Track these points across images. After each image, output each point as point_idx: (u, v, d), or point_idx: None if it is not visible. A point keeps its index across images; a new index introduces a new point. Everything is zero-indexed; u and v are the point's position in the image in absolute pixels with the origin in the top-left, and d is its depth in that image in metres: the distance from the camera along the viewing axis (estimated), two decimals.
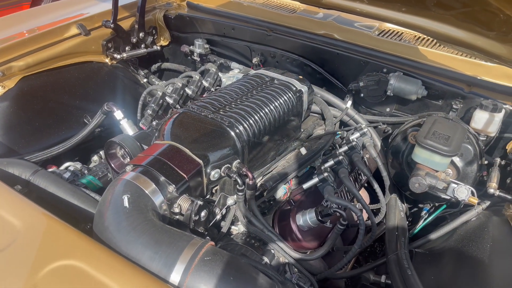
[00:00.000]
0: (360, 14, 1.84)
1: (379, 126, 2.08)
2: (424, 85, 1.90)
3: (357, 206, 1.55)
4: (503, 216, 1.53)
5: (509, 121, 1.78)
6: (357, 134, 1.82)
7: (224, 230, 1.49)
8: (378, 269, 1.72)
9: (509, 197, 1.56)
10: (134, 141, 1.55)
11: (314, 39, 2.20)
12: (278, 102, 1.73)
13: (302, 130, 1.96)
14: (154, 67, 2.69)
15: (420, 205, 2.02)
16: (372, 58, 2.06)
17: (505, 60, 1.59)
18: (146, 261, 1.04)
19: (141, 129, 1.97)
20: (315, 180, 1.61)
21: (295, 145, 1.86)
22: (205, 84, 2.27)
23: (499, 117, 1.71)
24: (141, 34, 2.43)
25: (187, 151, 1.39)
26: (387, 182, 1.86)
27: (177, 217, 1.31)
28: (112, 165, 1.59)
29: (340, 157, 1.65)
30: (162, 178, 1.29)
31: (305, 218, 1.53)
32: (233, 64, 2.42)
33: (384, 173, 1.84)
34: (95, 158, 2.10)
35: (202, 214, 1.29)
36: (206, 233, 1.35)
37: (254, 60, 2.38)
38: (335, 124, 2.02)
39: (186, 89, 2.21)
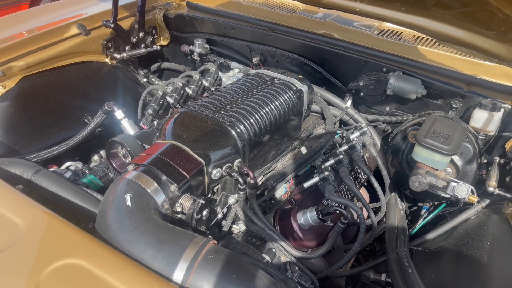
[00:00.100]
0: (359, 14, 1.85)
1: (379, 125, 2.09)
2: (424, 84, 1.91)
3: (357, 205, 1.55)
4: (502, 215, 1.54)
5: (508, 120, 1.79)
6: (357, 133, 1.83)
7: (225, 229, 1.50)
8: (378, 267, 1.73)
9: (508, 195, 1.57)
10: (136, 140, 1.56)
11: (314, 39, 2.21)
12: (279, 101, 1.74)
13: (302, 129, 1.97)
14: (154, 66, 2.70)
15: (420, 204, 2.03)
16: (371, 57, 2.07)
17: (504, 60, 1.60)
18: (149, 259, 1.05)
19: (142, 129, 1.98)
20: (316, 179, 1.62)
21: (296, 144, 1.87)
22: (205, 83, 2.28)
23: (498, 116, 1.72)
24: (141, 34, 2.43)
25: (189, 150, 1.39)
26: (387, 181, 1.87)
27: (179, 216, 1.31)
28: (114, 164, 1.59)
29: (341, 156, 1.65)
30: (164, 177, 1.29)
31: (306, 217, 1.53)
32: (233, 64, 2.42)
33: (384, 172, 1.84)
34: (95, 157, 2.10)
35: (204, 213, 1.30)
36: (208, 231, 1.36)
37: (254, 60, 2.39)
38: (335, 124, 2.03)
39: (187, 89, 2.22)
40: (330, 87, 2.22)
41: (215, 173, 1.43)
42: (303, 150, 1.82)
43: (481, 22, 1.53)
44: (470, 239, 1.52)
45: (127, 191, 1.22)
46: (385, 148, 1.95)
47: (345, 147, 1.77)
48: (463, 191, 1.52)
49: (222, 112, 1.58)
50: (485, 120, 1.73)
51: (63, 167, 1.81)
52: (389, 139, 1.92)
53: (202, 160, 1.38)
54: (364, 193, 2.13)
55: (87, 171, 1.80)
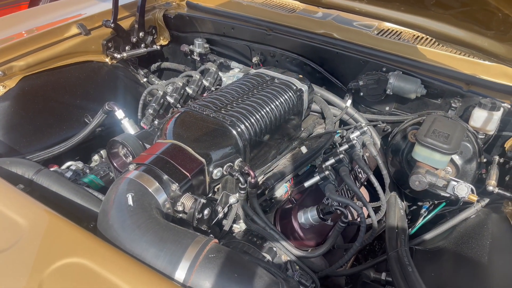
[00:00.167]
0: (359, 14, 1.85)
1: (379, 125, 2.09)
2: (423, 84, 1.91)
3: (357, 204, 1.56)
4: (502, 213, 1.54)
5: (507, 120, 1.80)
6: (357, 133, 1.84)
7: (226, 228, 1.50)
8: (378, 266, 1.73)
9: (508, 194, 1.57)
10: (137, 140, 1.56)
11: (313, 39, 2.21)
12: (279, 101, 1.74)
13: (302, 129, 1.97)
14: (153, 66, 2.70)
15: (420, 203, 2.03)
16: (371, 57, 2.07)
17: (504, 59, 1.61)
18: (151, 258, 1.05)
19: (142, 129, 1.98)
20: (316, 178, 1.62)
21: (296, 143, 1.87)
22: (206, 83, 2.28)
23: (497, 115, 1.73)
24: (141, 34, 2.44)
25: (190, 150, 1.40)
26: (387, 180, 1.88)
27: (180, 215, 1.32)
28: (115, 164, 1.59)
29: (341, 156, 1.66)
30: (165, 177, 1.30)
31: (307, 216, 1.54)
32: (233, 64, 2.43)
33: (384, 171, 1.85)
34: (95, 157, 2.11)
35: (205, 212, 1.30)
36: (209, 231, 1.36)
37: (254, 60, 2.39)
38: (335, 123, 2.04)
39: (187, 89, 2.22)
40: (330, 86, 2.23)
41: (216, 172, 1.44)
42: (303, 149, 1.83)
43: (481, 22, 1.54)
44: (470, 238, 1.52)
45: (128, 190, 1.22)
46: (385, 148, 1.96)
47: (345, 146, 1.78)
48: (463, 190, 1.53)
49: (223, 111, 1.59)
50: (484, 120, 1.74)
51: (64, 166, 1.82)
52: (389, 138, 1.93)
53: (203, 160, 1.39)
54: (364, 192, 2.13)
55: (87, 170, 1.81)
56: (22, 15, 2.65)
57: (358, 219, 1.75)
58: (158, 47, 2.61)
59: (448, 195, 1.60)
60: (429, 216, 1.87)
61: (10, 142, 1.81)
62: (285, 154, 1.81)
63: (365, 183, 2.09)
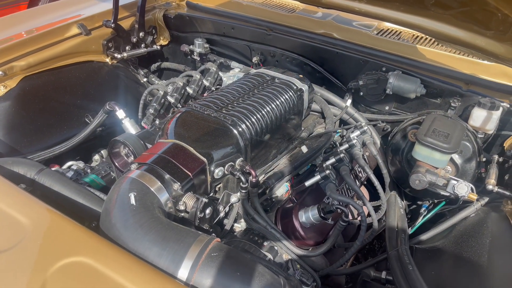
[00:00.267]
0: (359, 14, 1.86)
1: (378, 124, 2.10)
2: (423, 83, 1.92)
3: (358, 203, 1.57)
4: (501, 212, 1.55)
5: (506, 119, 1.81)
6: (357, 132, 1.84)
7: (227, 227, 1.51)
8: (378, 265, 1.74)
9: (507, 193, 1.58)
10: (138, 140, 1.56)
11: (313, 38, 2.22)
12: (279, 100, 1.75)
13: (302, 128, 1.98)
14: (153, 66, 2.71)
15: (419, 202, 2.04)
16: (371, 57, 2.08)
17: (503, 59, 1.61)
18: (154, 257, 1.06)
19: (143, 128, 1.99)
20: (317, 177, 1.63)
21: (296, 143, 1.88)
22: (206, 83, 2.29)
23: (496, 115, 1.74)
24: (141, 34, 2.44)
25: (191, 149, 1.40)
26: (387, 180, 1.88)
27: (182, 214, 1.33)
28: (116, 163, 1.60)
29: (342, 155, 1.67)
30: (167, 176, 1.31)
31: (308, 215, 1.55)
32: (233, 63, 2.43)
33: (384, 171, 1.86)
34: (96, 157, 2.11)
35: (207, 211, 1.31)
36: (211, 230, 1.37)
37: (254, 59, 2.40)
38: (335, 123, 2.05)
39: (187, 88, 2.22)
40: (330, 86, 2.24)
41: (218, 172, 1.44)
42: (304, 149, 1.83)
43: (480, 22, 1.55)
44: (469, 236, 1.53)
45: (131, 189, 1.23)
46: (385, 147, 1.97)
47: (346, 146, 1.78)
48: (463, 189, 1.53)
49: (224, 111, 1.60)
50: (484, 119, 1.74)
51: (65, 166, 1.82)
52: (389, 138, 1.94)
53: (204, 159, 1.40)
54: (364, 191, 2.14)
55: (89, 170, 1.81)
56: (21, 15, 2.65)
57: (359, 218, 1.76)
58: (158, 47, 2.61)
59: (448, 194, 1.60)
60: (429, 215, 1.88)
61: (11, 142, 1.82)
62: (286, 153, 1.82)
63: (365, 182, 2.10)
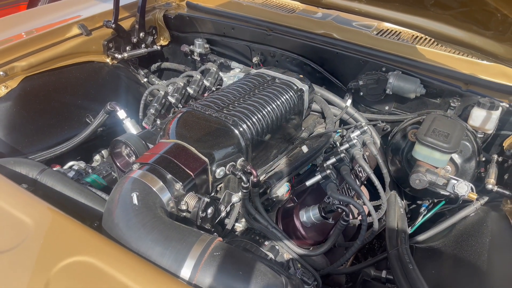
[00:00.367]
0: (358, 14, 1.86)
1: (378, 124, 2.11)
2: (423, 83, 1.93)
3: (358, 202, 1.57)
4: (501, 212, 1.56)
5: (505, 119, 1.82)
6: (357, 132, 1.85)
7: (228, 227, 1.51)
8: (378, 264, 1.75)
9: (507, 192, 1.59)
10: (140, 140, 1.57)
11: (313, 39, 2.23)
12: (280, 100, 1.76)
13: (303, 128, 1.99)
14: (154, 66, 2.71)
15: (419, 202, 2.05)
16: (371, 57, 2.09)
17: (502, 59, 1.62)
18: (157, 257, 1.06)
19: (144, 128, 1.99)
20: (318, 177, 1.64)
21: (297, 143, 1.88)
22: (206, 83, 2.30)
23: (496, 114, 1.75)
24: (141, 34, 2.45)
25: (193, 149, 1.41)
26: (387, 179, 1.89)
27: (184, 214, 1.33)
28: (118, 163, 1.60)
29: (342, 155, 1.68)
30: (169, 176, 1.31)
31: (309, 215, 1.55)
32: (233, 64, 2.44)
33: (385, 170, 1.87)
34: (97, 157, 2.11)
35: (209, 211, 1.32)
36: (213, 229, 1.37)
37: (254, 60, 2.41)
38: (335, 123, 2.05)
39: (188, 89, 2.23)
40: (330, 86, 2.25)
41: (219, 171, 1.45)
42: (304, 149, 1.84)
43: (479, 22, 1.55)
44: (469, 235, 1.54)
45: (133, 189, 1.23)
46: (385, 147, 1.98)
47: (346, 145, 1.79)
48: (463, 188, 1.54)
49: (225, 111, 1.60)
50: (483, 119, 1.75)
51: (66, 166, 1.83)
52: (389, 137, 1.94)
53: (206, 159, 1.40)
54: (364, 191, 2.15)
55: (90, 170, 1.81)
56: (20, 16, 2.65)
57: (359, 218, 1.77)
58: (159, 47, 2.62)
59: (448, 193, 1.61)
60: (428, 215, 1.88)
61: (12, 142, 1.82)
62: (286, 153, 1.83)
63: (365, 182, 2.11)
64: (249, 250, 1.44)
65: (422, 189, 1.60)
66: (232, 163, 1.48)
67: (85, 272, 0.97)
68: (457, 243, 1.55)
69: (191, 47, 2.52)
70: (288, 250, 1.50)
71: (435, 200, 1.93)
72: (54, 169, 1.70)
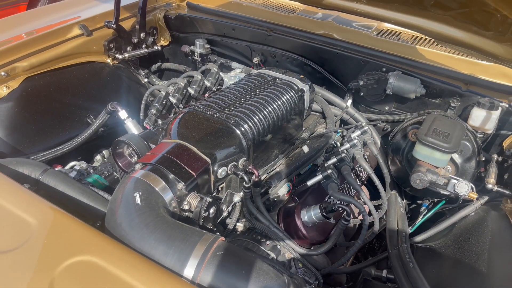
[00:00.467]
0: (358, 14, 1.87)
1: (379, 124, 2.12)
2: (423, 83, 1.94)
3: (359, 202, 1.58)
4: (501, 211, 1.57)
5: (505, 119, 1.83)
6: (358, 132, 1.86)
7: (230, 226, 1.52)
8: (379, 264, 1.75)
9: (507, 192, 1.60)
10: (141, 140, 1.57)
11: (314, 39, 2.23)
12: (281, 101, 1.76)
13: (303, 128, 1.99)
14: (154, 67, 2.72)
15: (419, 202, 2.06)
16: (371, 57, 2.10)
17: (502, 59, 1.63)
18: (160, 256, 1.07)
19: (145, 129, 2.00)
20: (319, 177, 1.65)
21: (298, 143, 1.89)
22: (207, 83, 2.30)
23: (496, 114, 1.76)
24: (142, 35, 2.45)
25: (195, 149, 1.42)
26: (387, 179, 1.90)
27: (186, 214, 1.34)
28: (120, 164, 1.61)
29: (343, 155, 1.68)
30: (171, 176, 1.32)
31: (310, 214, 1.56)
32: (234, 64, 2.45)
33: (385, 170, 1.87)
34: (98, 157, 2.11)
35: (211, 210, 1.32)
36: (215, 229, 1.38)
37: (255, 60, 2.41)
38: (335, 123, 2.06)
39: (189, 89, 2.23)
40: (330, 86, 2.25)
41: (221, 171, 1.46)
42: (305, 149, 1.85)
43: (479, 23, 1.56)
44: (470, 235, 1.55)
45: (135, 189, 1.24)
46: (385, 147, 1.99)
47: (347, 145, 1.80)
48: (464, 188, 1.55)
49: (226, 111, 1.61)
50: (483, 119, 1.76)
51: (68, 166, 1.83)
52: (389, 137, 1.95)
53: (208, 159, 1.41)
54: (364, 191, 2.16)
55: (91, 170, 1.82)
56: (20, 17, 2.65)
57: (359, 217, 1.78)
58: (159, 47, 2.62)
59: (448, 193, 1.62)
60: (428, 214, 1.89)
61: (13, 142, 1.82)
62: (287, 153, 1.83)
63: (365, 182, 2.12)
64: (250, 249, 1.45)
65: (423, 188, 1.61)
66: (234, 163, 1.49)
67: (89, 272, 0.98)
68: (458, 243, 1.56)
69: (192, 47, 2.53)
70: (289, 249, 1.51)
71: (435, 200, 1.94)
72: (56, 169, 1.71)
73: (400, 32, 2.29)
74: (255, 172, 1.45)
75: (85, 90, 2.17)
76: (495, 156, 1.81)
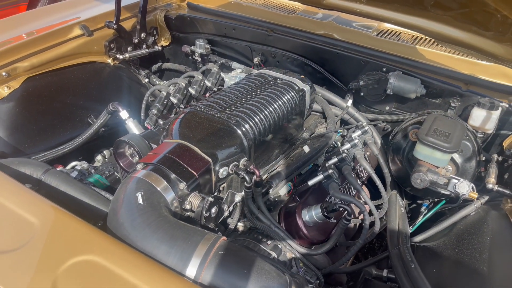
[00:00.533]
0: (359, 15, 1.88)
1: (379, 124, 2.12)
2: (423, 83, 1.95)
3: (360, 201, 1.59)
4: (501, 211, 1.57)
5: (505, 119, 1.84)
6: (358, 132, 1.86)
7: (231, 226, 1.52)
8: (379, 264, 1.76)
9: (507, 191, 1.61)
10: (143, 140, 1.58)
11: (314, 39, 2.24)
12: (282, 101, 1.77)
13: (304, 128, 2.00)
14: (154, 67, 2.72)
15: (419, 201, 2.07)
16: (371, 57, 2.10)
17: (502, 59, 1.64)
18: (162, 256, 1.07)
19: (146, 129, 2.00)
20: (320, 177, 1.65)
21: (298, 143, 1.90)
22: (208, 84, 2.30)
23: (496, 114, 1.76)
24: (142, 35, 2.46)
25: (196, 149, 1.42)
26: (388, 179, 1.91)
27: (188, 213, 1.34)
28: (121, 164, 1.61)
29: (344, 154, 1.69)
30: (173, 176, 1.32)
31: (311, 214, 1.56)
32: (234, 64, 2.45)
33: (386, 170, 1.88)
34: (98, 157, 2.12)
35: (213, 210, 1.33)
36: (217, 228, 1.38)
37: (255, 60, 2.42)
38: (336, 123, 2.07)
39: (190, 89, 2.24)
40: (330, 86, 2.26)
41: (222, 171, 1.46)
42: (306, 148, 1.85)
43: (479, 23, 1.57)
44: (470, 234, 1.55)
45: (137, 189, 1.24)
46: (386, 147, 1.99)
47: (348, 145, 1.80)
48: (464, 187, 1.56)
49: (228, 111, 1.61)
50: (483, 119, 1.77)
51: (69, 166, 1.84)
52: (390, 137, 1.96)
53: (209, 159, 1.41)
54: (365, 190, 2.16)
55: (93, 170, 1.82)
56: (20, 18, 2.65)
57: (360, 217, 1.78)
58: (160, 47, 2.63)
59: (448, 192, 1.63)
60: (429, 214, 1.90)
61: (14, 142, 1.83)
62: (288, 153, 1.84)
63: (366, 182, 2.12)
64: (252, 249, 1.45)
65: (423, 188, 1.61)
66: (235, 163, 1.49)
67: (92, 271, 0.98)
68: (458, 242, 1.57)
69: (192, 47, 2.53)
70: (290, 249, 1.51)
71: (436, 200, 1.94)
72: (58, 169, 1.72)
73: (400, 32, 2.30)
74: (256, 172, 1.46)
75: (86, 90, 2.17)
76: (495, 156, 1.81)
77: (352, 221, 1.80)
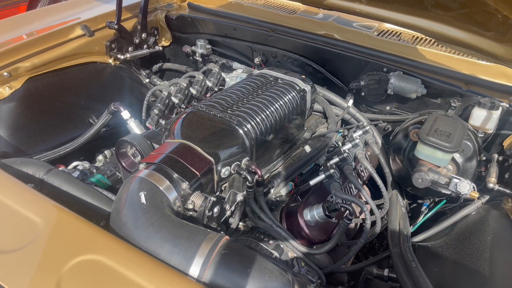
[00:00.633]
0: (359, 15, 1.89)
1: (380, 124, 2.13)
2: (424, 83, 1.95)
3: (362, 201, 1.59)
4: (502, 210, 1.58)
5: (505, 119, 1.84)
6: (359, 132, 1.87)
7: (233, 225, 1.53)
8: (380, 263, 1.76)
9: (508, 191, 1.61)
10: (145, 140, 1.58)
11: (315, 39, 2.24)
12: (283, 101, 1.77)
13: (305, 128, 2.00)
14: (155, 67, 2.72)
15: (420, 201, 2.07)
16: (372, 57, 2.11)
17: (503, 59, 1.64)
18: (166, 255, 1.08)
19: (148, 129, 2.00)
20: (321, 176, 1.65)
21: (299, 143, 1.90)
22: (209, 84, 2.31)
23: (496, 114, 1.77)
24: (143, 35, 2.46)
25: (199, 149, 1.42)
26: (389, 178, 1.91)
27: (190, 213, 1.34)
28: (123, 163, 1.61)
29: (345, 154, 1.69)
30: (175, 175, 1.32)
31: (313, 214, 1.57)
32: (235, 64, 2.45)
33: (386, 170, 1.89)
34: (100, 157, 2.13)
35: (215, 210, 1.33)
36: (219, 228, 1.39)
37: (256, 60, 2.42)
38: (337, 123, 2.07)
39: (191, 89, 2.24)
40: (331, 86, 2.26)
41: (224, 171, 1.46)
42: (307, 148, 1.86)
43: (480, 23, 1.57)
44: (471, 234, 1.56)
45: (140, 189, 1.24)
46: (387, 146, 2.00)
47: (349, 145, 1.81)
48: (465, 187, 1.56)
49: (229, 111, 1.62)
50: (484, 119, 1.78)
51: (71, 166, 1.84)
52: (391, 137, 1.96)
53: (211, 159, 1.41)
54: (366, 190, 2.17)
55: (94, 170, 1.83)
56: (20, 18, 2.65)
57: (361, 216, 1.79)
58: (160, 48, 2.63)
59: (449, 192, 1.63)
60: (429, 214, 1.90)
61: (16, 142, 1.83)
62: (289, 153, 1.84)
63: (367, 181, 2.13)
64: (254, 248, 1.46)
65: (424, 188, 1.62)
66: (237, 162, 1.50)
67: (96, 271, 0.98)
68: (459, 241, 1.57)
69: (193, 47, 2.53)
70: (292, 248, 1.52)
71: (436, 199, 1.95)
72: (60, 169, 1.72)
73: (401, 33, 2.31)
74: (258, 171, 1.46)
75: (87, 90, 2.18)
76: (496, 155, 1.82)
77: (353, 221, 1.81)
